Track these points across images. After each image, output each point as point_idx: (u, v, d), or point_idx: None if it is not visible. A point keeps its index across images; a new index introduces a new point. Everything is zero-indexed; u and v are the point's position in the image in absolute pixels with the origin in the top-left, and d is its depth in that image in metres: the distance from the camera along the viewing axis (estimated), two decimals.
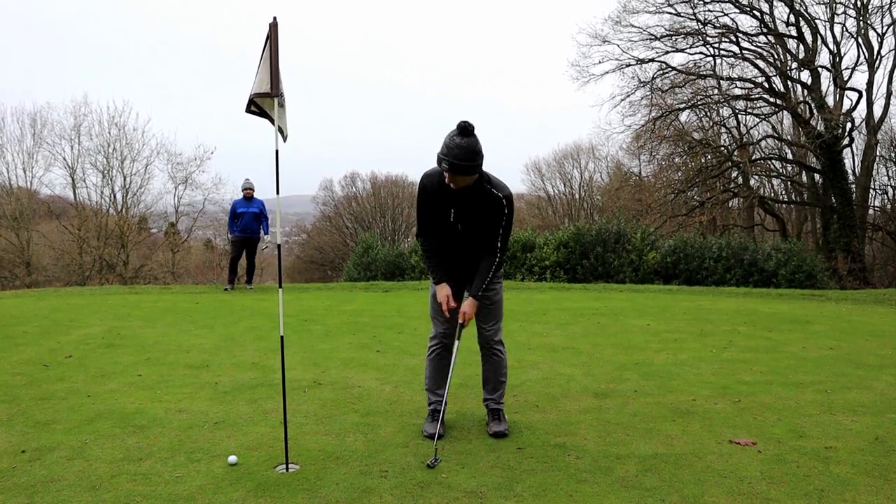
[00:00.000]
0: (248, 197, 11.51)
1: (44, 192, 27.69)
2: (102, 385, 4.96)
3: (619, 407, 4.40)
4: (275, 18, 3.35)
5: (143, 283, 22.51)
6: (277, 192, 3.72)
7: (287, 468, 3.35)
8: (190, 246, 31.78)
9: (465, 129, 3.39)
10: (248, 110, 3.66)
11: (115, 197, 26.85)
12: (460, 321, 3.81)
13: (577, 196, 40.93)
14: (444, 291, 3.81)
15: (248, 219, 11.40)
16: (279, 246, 3.91)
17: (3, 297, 11.03)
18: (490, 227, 3.68)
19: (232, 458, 3.42)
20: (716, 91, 24.36)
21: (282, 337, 3.81)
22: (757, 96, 24.28)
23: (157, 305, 9.39)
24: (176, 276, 26.97)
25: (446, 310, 3.79)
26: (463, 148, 3.37)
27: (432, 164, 3.60)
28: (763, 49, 24.17)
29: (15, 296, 11.26)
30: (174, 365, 5.62)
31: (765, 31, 23.67)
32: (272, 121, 3.62)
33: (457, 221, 3.68)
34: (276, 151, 3.61)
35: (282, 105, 3.54)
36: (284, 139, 3.65)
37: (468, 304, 3.77)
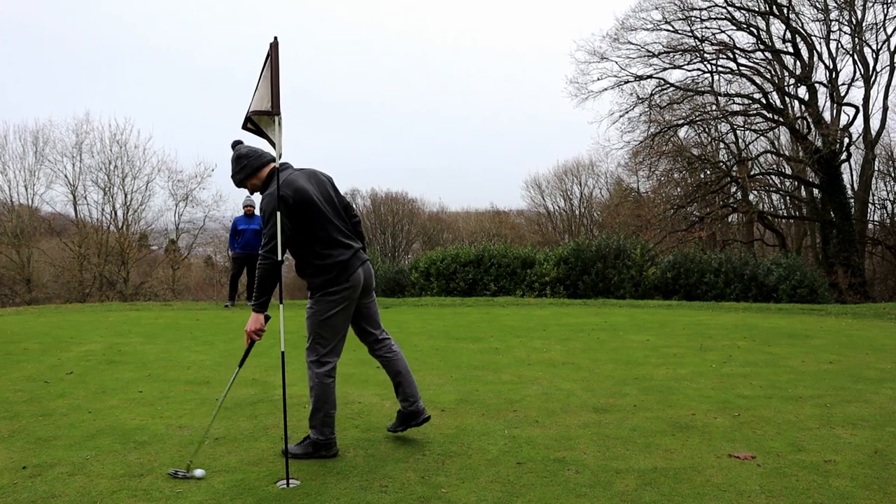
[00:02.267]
0: (249, 214, 11.57)
1: (45, 209, 27.76)
2: (103, 401, 4.97)
3: (619, 421, 4.41)
4: (276, 38, 3.41)
5: (143, 301, 22.53)
6: (279, 210, 3.75)
7: (288, 483, 3.36)
8: (190, 263, 31.80)
9: (232, 144, 3.87)
10: (245, 127, 3.71)
11: (115, 214, 26.89)
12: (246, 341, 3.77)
13: (576, 212, 41.00)
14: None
15: (248, 236, 11.46)
16: (280, 262, 3.93)
17: (4, 313, 11.05)
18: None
19: (199, 472, 3.46)
20: (714, 107, 24.52)
21: (282, 353, 3.83)
22: (755, 112, 24.43)
23: (157, 322, 9.40)
24: (176, 293, 26.94)
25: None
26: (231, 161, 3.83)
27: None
28: (760, 65, 24.37)
29: (16, 312, 11.28)
30: (175, 381, 5.64)
31: (761, 47, 23.88)
32: (268, 139, 3.67)
33: None
34: (276, 169, 3.65)
35: (279, 124, 3.59)
36: (279, 157, 3.69)
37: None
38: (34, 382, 5.61)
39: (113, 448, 3.90)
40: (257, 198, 3.89)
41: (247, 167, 3.75)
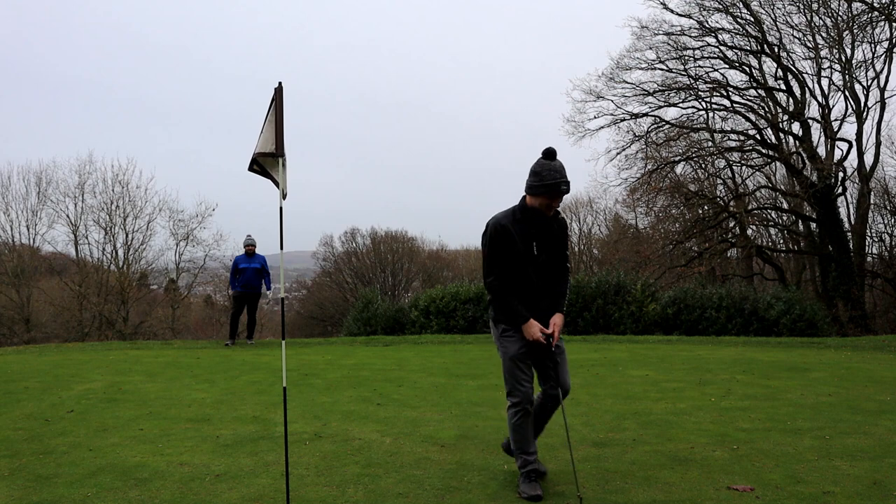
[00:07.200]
0: (250, 253, 11.66)
1: (46, 248, 27.96)
2: (104, 439, 4.98)
3: (618, 455, 4.42)
4: (280, 83, 3.54)
5: (142, 340, 22.48)
6: (281, 248, 3.85)
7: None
8: (190, 302, 31.83)
9: (552, 153, 3.67)
10: (251, 169, 3.83)
11: (116, 253, 27.05)
12: (555, 340, 3.82)
13: (576, 249, 41.15)
14: (536, 327, 3.75)
15: (249, 274, 11.52)
16: (282, 300, 4.01)
17: (4, 352, 11.05)
18: (561, 250, 3.86)
19: None
20: (710, 143, 24.83)
21: (284, 388, 3.88)
22: (750, 148, 24.72)
23: (158, 360, 9.41)
24: (175, 332, 26.92)
25: (542, 338, 3.74)
26: (559, 169, 3.64)
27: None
28: (753, 102, 24.76)
29: (16, 351, 11.28)
30: (175, 419, 5.65)
31: (754, 85, 24.29)
32: (273, 180, 3.78)
33: (541, 253, 3.77)
34: (280, 209, 3.75)
35: (284, 165, 3.70)
36: (284, 197, 3.79)
37: (559, 318, 3.88)
38: (35, 421, 5.62)
39: (114, 485, 3.91)
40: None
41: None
